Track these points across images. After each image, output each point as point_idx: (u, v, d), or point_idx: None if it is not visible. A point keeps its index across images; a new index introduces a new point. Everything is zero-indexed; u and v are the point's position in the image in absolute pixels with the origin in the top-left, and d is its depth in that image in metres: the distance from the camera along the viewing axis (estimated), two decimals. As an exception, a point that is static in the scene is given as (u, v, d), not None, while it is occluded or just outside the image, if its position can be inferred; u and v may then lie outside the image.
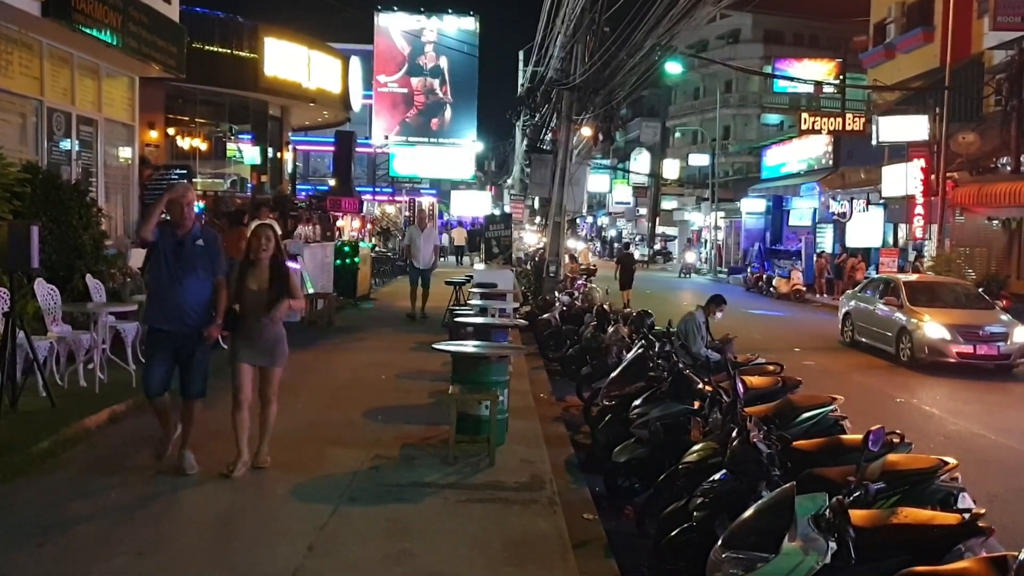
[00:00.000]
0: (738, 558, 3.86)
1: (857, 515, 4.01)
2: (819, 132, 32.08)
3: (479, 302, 13.81)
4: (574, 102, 20.01)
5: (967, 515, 4.34)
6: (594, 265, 29.80)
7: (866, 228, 31.25)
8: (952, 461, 5.23)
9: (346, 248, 20.43)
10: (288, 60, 22.24)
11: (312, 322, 15.65)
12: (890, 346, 16.21)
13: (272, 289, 6.72)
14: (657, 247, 56.29)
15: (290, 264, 13.39)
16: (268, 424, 7.08)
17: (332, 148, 32.83)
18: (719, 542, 4.04)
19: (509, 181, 60.44)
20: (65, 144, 13.65)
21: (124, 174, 15.90)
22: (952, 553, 4.06)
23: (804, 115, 31.65)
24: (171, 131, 19.92)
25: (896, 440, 5.78)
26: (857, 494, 4.34)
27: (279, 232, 7.24)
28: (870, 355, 16.67)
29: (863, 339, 17.50)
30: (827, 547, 3.72)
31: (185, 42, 16.01)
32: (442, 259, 31.88)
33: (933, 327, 15.11)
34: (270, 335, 6.91)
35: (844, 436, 6.26)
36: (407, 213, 51.34)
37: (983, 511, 4.40)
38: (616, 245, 61.31)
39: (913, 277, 19.18)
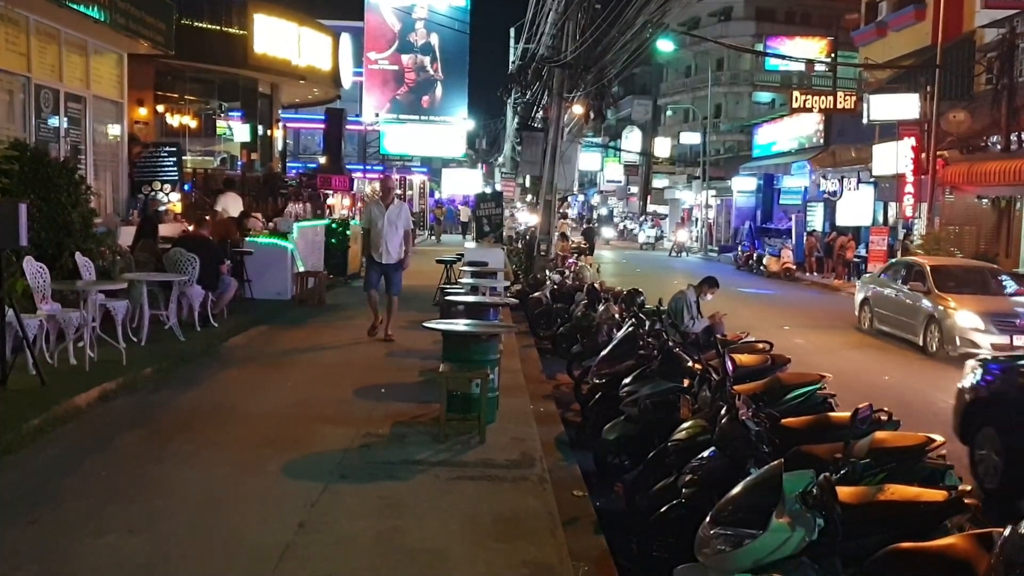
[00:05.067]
0: (726, 534, 3.88)
1: (844, 492, 4.05)
2: (810, 110, 32.13)
3: (470, 280, 13.82)
4: (565, 80, 19.93)
5: (953, 492, 4.38)
6: (585, 243, 29.86)
7: (856, 206, 31.32)
8: (939, 439, 5.27)
9: (336, 226, 20.40)
10: (278, 37, 22.07)
11: (303, 300, 15.65)
12: (916, 336, 15.04)
13: None
14: (655, 230, 54.88)
15: (280, 242, 13.29)
16: None
17: (322, 126, 32.70)
18: (708, 518, 4.06)
19: (500, 159, 60.23)
20: (53, 121, 13.56)
21: (113, 151, 15.81)
22: (938, 529, 4.10)
23: (795, 93, 31.72)
24: (160, 108, 19.75)
25: (884, 418, 5.82)
26: (844, 471, 4.37)
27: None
28: (890, 342, 15.80)
29: (884, 327, 16.43)
30: (814, 523, 3.75)
31: (174, 18, 15.89)
32: (417, 241, 30.33)
33: (965, 316, 13.84)
34: None
35: (832, 414, 6.29)
36: (398, 192, 51.15)
37: (969, 488, 4.44)
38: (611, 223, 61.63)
39: (941, 260, 17.63)
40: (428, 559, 5.10)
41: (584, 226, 40.27)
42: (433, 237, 44.75)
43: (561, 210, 28.80)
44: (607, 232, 54.83)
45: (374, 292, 12.23)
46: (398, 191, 50.31)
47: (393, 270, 12.12)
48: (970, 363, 8.30)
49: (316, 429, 7.67)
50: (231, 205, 16.90)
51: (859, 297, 18.11)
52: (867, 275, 19.16)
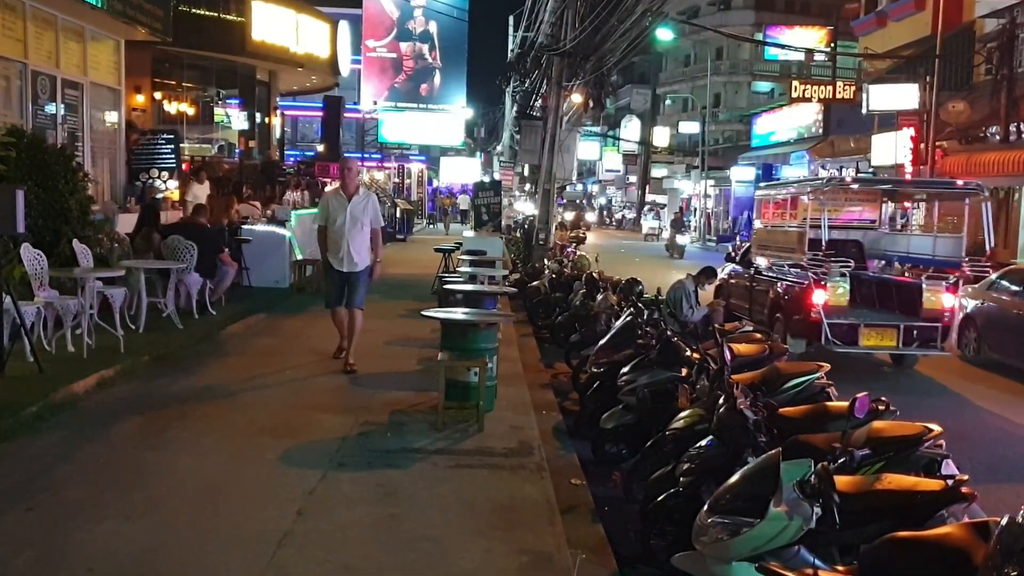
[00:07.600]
0: (724, 523, 3.89)
1: (842, 481, 4.04)
2: (809, 100, 32.10)
3: (468, 269, 13.80)
4: (564, 68, 19.87)
5: (950, 481, 4.37)
6: (583, 233, 29.80)
7: (855, 197, 31.24)
8: (937, 428, 5.27)
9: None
10: (276, 24, 22.03)
11: (301, 288, 15.63)
12: None
13: None
14: (658, 220, 53.25)
15: (278, 230, 13.23)
16: None
17: (320, 113, 32.65)
18: (705, 507, 4.06)
19: (499, 148, 60.09)
20: (50, 108, 13.52)
21: (111, 138, 15.78)
22: (935, 519, 4.09)
23: (795, 83, 31.71)
24: (158, 95, 19.72)
25: (881, 407, 5.81)
26: (842, 460, 4.36)
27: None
28: (1007, 377, 11.87)
29: (1000, 356, 12.33)
30: (812, 512, 3.75)
31: (171, 5, 15.83)
32: (416, 229, 28.97)
33: None
34: None
35: (830, 403, 6.28)
36: (396, 180, 50.95)
37: (966, 478, 4.44)
38: (605, 212, 61.34)
39: None
40: (426, 547, 5.10)
41: (576, 216, 37.63)
42: (431, 226, 44.52)
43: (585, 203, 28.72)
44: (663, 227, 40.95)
45: (340, 310, 9.64)
46: (395, 180, 50.54)
47: (358, 279, 9.48)
48: (724, 267, 15.50)
49: (314, 417, 7.67)
50: (197, 192, 16.58)
51: (960, 315, 12.88)
52: (971, 288, 13.29)
